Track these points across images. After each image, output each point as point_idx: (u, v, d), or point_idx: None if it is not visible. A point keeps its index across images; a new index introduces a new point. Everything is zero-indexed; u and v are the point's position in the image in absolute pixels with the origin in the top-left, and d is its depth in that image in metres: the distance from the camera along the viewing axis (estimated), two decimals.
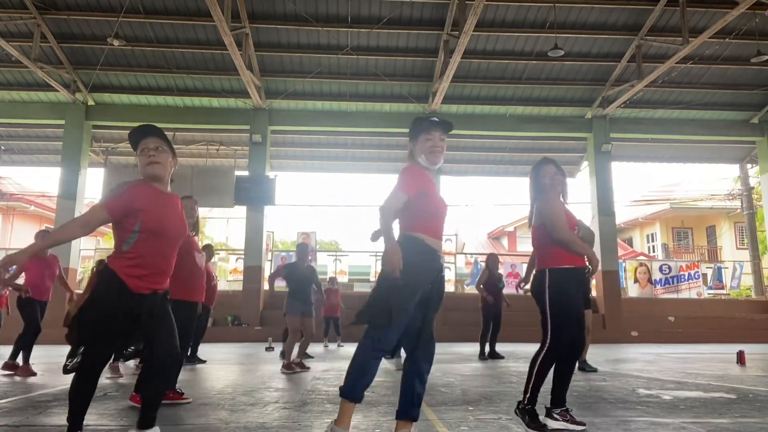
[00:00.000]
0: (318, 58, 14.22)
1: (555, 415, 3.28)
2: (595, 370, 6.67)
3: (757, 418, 3.70)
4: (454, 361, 8.09)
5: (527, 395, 3.23)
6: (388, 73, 14.71)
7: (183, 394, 4.37)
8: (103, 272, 2.68)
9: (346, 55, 13.95)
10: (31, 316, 6.49)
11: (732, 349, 9.00)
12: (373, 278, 17.92)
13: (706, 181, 26.78)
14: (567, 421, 3.26)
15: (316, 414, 3.80)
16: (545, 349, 3.29)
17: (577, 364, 6.61)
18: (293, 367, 6.62)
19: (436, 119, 2.98)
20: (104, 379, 6.08)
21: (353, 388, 2.70)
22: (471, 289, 16.56)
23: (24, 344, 6.45)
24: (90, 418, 3.71)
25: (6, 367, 6.41)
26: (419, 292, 2.77)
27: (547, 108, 15.88)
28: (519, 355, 9.15)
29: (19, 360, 6.53)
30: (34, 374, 6.17)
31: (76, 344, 2.69)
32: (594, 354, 8.51)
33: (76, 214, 14.63)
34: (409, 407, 2.79)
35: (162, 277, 2.77)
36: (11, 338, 11.43)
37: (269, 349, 11.00)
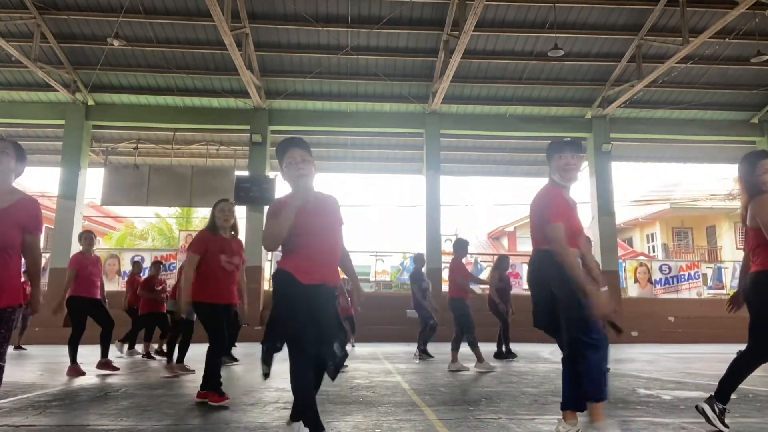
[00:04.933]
0: (318, 58, 14.21)
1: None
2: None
3: (757, 418, 3.71)
4: None
5: None
6: (388, 73, 14.69)
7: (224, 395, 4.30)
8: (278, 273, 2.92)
9: (346, 55, 13.94)
10: (76, 316, 6.49)
11: (732, 349, 8.95)
12: (372, 278, 17.89)
13: (706, 181, 26.60)
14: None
15: None
16: None
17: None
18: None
19: (567, 140, 3.23)
20: (101, 378, 6.08)
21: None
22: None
23: (71, 343, 6.46)
24: (90, 418, 3.71)
25: (101, 366, 6.49)
26: None
27: (547, 108, 15.87)
28: (521, 356, 9.14)
29: (111, 356, 6.70)
30: (83, 374, 6.17)
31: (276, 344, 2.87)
32: None
33: (76, 215, 14.63)
34: (579, 399, 2.97)
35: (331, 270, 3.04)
36: (34, 337, 11.28)
37: None
